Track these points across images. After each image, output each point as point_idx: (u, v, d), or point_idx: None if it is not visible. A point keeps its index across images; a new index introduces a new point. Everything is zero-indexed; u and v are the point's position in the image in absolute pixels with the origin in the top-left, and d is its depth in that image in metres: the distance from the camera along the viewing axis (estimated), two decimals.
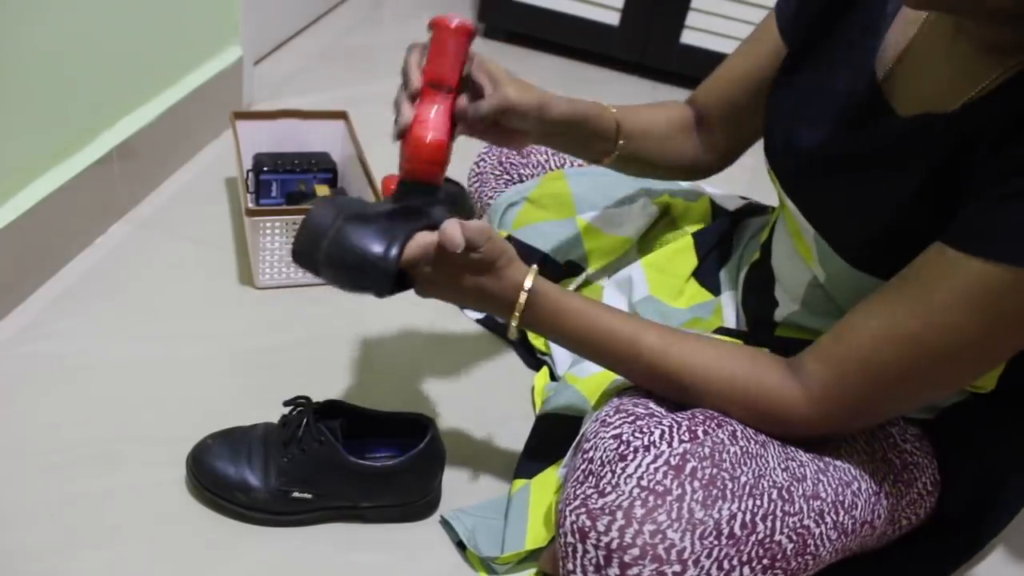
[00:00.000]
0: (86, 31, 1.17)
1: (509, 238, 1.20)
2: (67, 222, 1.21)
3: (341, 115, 1.41)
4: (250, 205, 1.26)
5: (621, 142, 1.01)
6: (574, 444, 0.92)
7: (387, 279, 0.78)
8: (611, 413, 0.81)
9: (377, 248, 0.77)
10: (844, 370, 0.75)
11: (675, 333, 0.83)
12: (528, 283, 0.82)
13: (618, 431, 0.77)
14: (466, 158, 1.38)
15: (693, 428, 0.76)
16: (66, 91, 1.16)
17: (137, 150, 1.32)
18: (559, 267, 1.19)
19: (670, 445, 0.74)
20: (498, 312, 0.85)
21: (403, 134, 0.84)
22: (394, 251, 0.77)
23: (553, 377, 1.16)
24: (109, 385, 1.06)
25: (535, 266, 0.85)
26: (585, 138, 0.99)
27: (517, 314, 0.83)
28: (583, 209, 1.21)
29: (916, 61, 0.80)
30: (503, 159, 1.31)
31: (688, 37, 2.08)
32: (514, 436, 1.09)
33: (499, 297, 0.83)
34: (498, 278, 0.82)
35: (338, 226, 0.78)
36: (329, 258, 0.79)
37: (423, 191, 0.84)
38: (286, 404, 0.96)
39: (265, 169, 1.35)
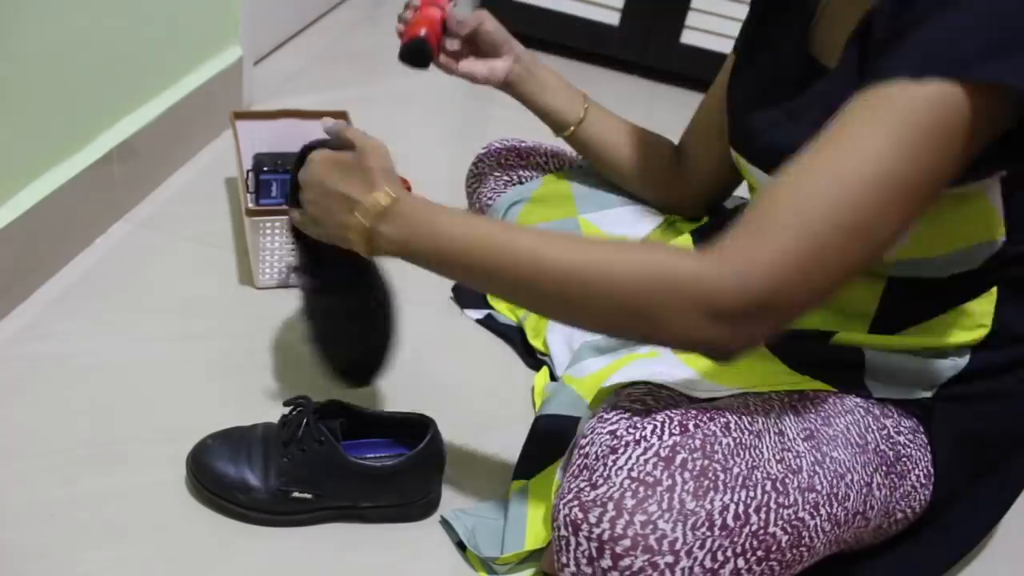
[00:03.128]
0: (86, 31, 1.17)
1: None
2: (67, 222, 1.21)
3: (341, 115, 1.41)
4: (250, 205, 1.26)
5: (572, 128, 1.17)
6: (572, 444, 0.92)
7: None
8: (608, 410, 0.82)
9: None
10: (764, 224, 0.67)
11: (558, 233, 0.75)
12: (394, 190, 0.77)
13: (614, 427, 0.78)
14: (465, 159, 1.38)
15: (684, 422, 0.77)
16: (66, 91, 1.16)
17: (137, 150, 1.32)
18: None
19: (660, 438, 0.75)
20: (358, 223, 0.78)
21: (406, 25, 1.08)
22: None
23: (553, 377, 1.16)
24: (109, 385, 1.06)
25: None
26: (543, 115, 1.18)
27: (369, 218, 0.77)
28: (585, 209, 1.21)
29: (835, 13, 0.85)
30: (501, 160, 1.31)
31: (688, 37, 2.08)
32: (514, 436, 1.09)
33: (360, 201, 0.77)
34: (364, 180, 0.78)
35: None
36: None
37: (419, 57, 1.09)
38: (286, 404, 0.96)
39: (265, 169, 1.35)
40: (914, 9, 0.68)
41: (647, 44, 2.11)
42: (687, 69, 2.11)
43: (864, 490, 0.82)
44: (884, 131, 0.67)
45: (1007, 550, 1.08)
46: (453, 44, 1.15)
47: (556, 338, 1.19)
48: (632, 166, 1.19)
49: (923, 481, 0.89)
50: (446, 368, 1.20)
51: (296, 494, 0.93)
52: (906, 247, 0.81)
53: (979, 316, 0.86)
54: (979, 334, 0.86)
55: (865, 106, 0.68)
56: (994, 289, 0.85)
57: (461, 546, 0.95)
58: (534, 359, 1.22)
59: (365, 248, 0.79)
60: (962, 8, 0.66)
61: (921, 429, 0.90)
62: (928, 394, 0.90)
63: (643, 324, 0.69)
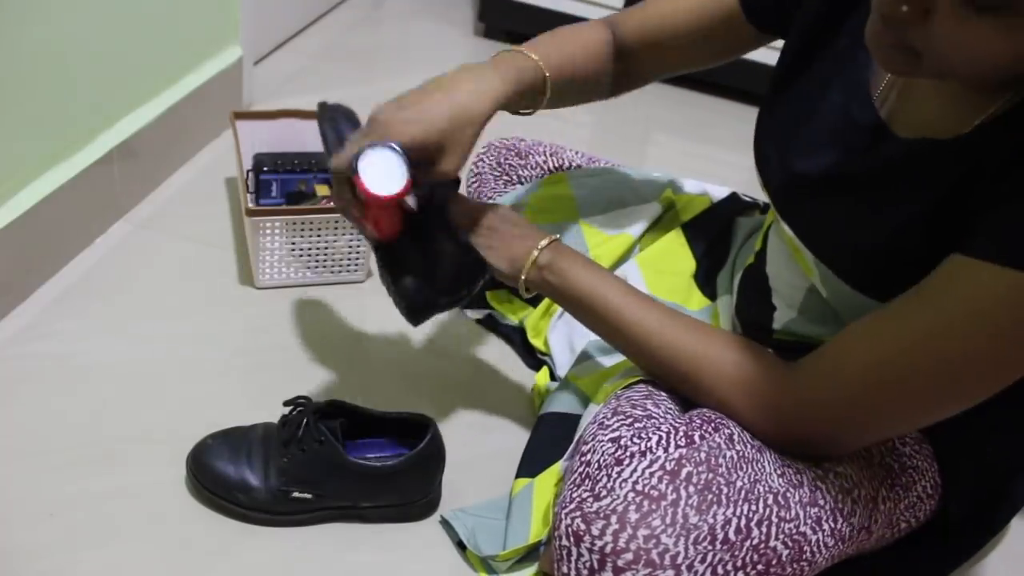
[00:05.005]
0: (86, 31, 1.17)
1: None
2: (67, 222, 1.21)
3: None
4: (250, 205, 1.26)
5: (548, 96, 0.99)
6: (573, 445, 0.92)
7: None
8: (609, 415, 0.82)
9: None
10: (840, 365, 0.75)
11: (677, 315, 0.86)
12: (535, 253, 0.90)
13: (616, 434, 0.78)
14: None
15: (690, 433, 0.76)
16: (66, 91, 1.16)
17: (137, 150, 1.32)
18: None
19: (666, 450, 0.74)
20: (511, 272, 0.92)
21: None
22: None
23: (553, 377, 1.16)
24: (109, 385, 1.06)
25: (555, 237, 0.92)
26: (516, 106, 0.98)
27: (523, 277, 0.91)
28: (586, 212, 1.21)
29: (909, 85, 0.79)
30: (501, 160, 1.31)
31: None
32: (514, 436, 1.09)
33: (513, 259, 0.91)
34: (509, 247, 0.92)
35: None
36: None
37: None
38: (286, 404, 0.96)
39: (265, 169, 1.35)
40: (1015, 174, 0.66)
41: None
42: None
43: (870, 505, 0.81)
44: (994, 323, 0.67)
45: (1007, 550, 1.08)
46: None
47: (557, 337, 1.19)
48: (589, 86, 1.06)
49: (929, 492, 0.88)
50: (446, 368, 1.20)
51: (296, 494, 0.93)
52: None
53: None
54: None
55: (974, 284, 0.67)
56: None
57: (461, 546, 0.95)
58: (534, 359, 1.22)
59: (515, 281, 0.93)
60: None
61: (927, 440, 0.89)
62: None
63: (722, 412, 0.81)
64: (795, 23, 0.90)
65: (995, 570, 1.05)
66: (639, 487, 0.72)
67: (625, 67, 1.05)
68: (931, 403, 0.73)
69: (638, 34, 1.03)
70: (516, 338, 1.25)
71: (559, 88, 0.99)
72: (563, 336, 1.18)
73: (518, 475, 1.00)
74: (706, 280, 1.15)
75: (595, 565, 0.71)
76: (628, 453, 0.75)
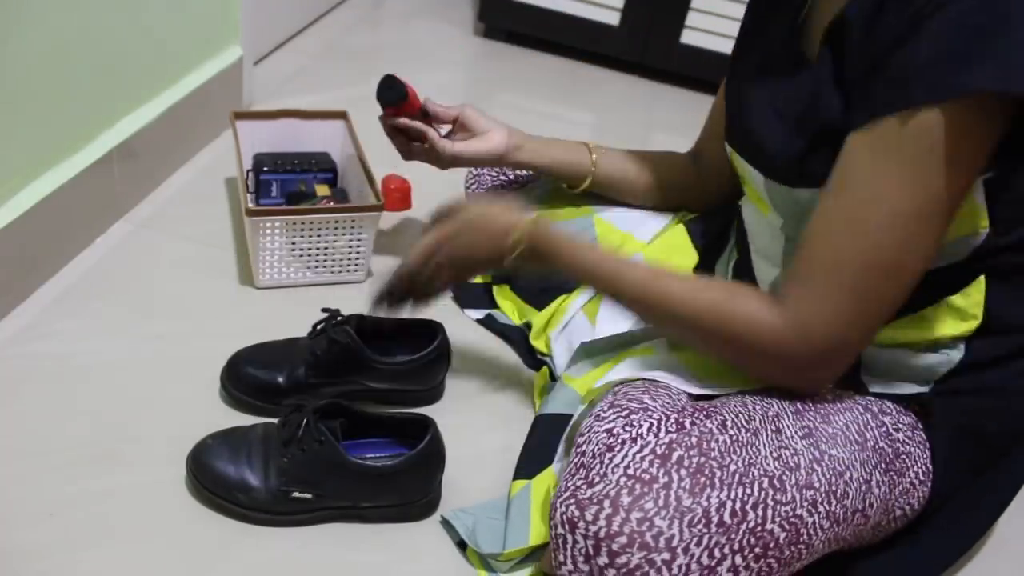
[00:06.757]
0: (86, 31, 1.17)
1: None
2: (67, 222, 1.21)
3: (341, 115, 1.41)
4: (250, 205, 1.26)
5: (588, 180, 1.18)
6: (563, 437, 0.93)
7: None
8: (605, 408, 0.83)
9: None
10: (809, 277, 0.78)
11: (660, 269, 0.89)
12: (526, 222, 0.94)
13: (611, 425, 0.79)
14: None
15: (680, 420, 0.78)
16: (66, 91, 1.16)
17: (137, 150, 1.32)
18: None
19: (656, 436, 0.76)
20: (497, 255, 0.96)
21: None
22: None
23: (553, 377, 1.16)
24: (109, 385, 1.06)
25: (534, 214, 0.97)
26: (553, 177, 1.21)
27: (516, 238, 0.94)
28: (600, 207, 1.22)
29: (820, 11, 0.86)
30: None
31: (688, 37, 2.08)
32: (514, 436, 1.09)
33: (496, 238, 0.96)
34: (491, 234, 0.96)
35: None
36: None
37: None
38: (286, 404, 0.96)
39: (265, 169, 1.35)
40: (884, 32, 0.71)
41: (647, 44, 2.11)
42: (687, 69, 2.11)
43: (863, 488, 0.82)
44: (887, 170, 0.71)
45: (1007, 550, 1.08)
46: (443, 128, 1.19)
47: (558, 338, 1.19)
48: (649, 190, 1.20)
49: (922, 478, 0.89)
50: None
51: (296, 494, 0.93)
52: None
53: (969, 307, 0.86)
54: (971, 325, 0.86)
55: (865, 147, 0.73)
56: (982, 279, 0.85)
57: (461, 546, 0.95)
58: (534, 359, 1.22)
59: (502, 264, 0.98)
60: (927, 30, 0.68)
61: (920, 426, 0.90)
62: (925, 389, 0.90)
63: (736, 364, 0.85)
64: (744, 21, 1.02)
65: (995, 570, 1.05)
66: (630, 471, 0.73)
67: (707, 172, 1.17)
68: (895, 270, 0.75)
69: (702, 134, 1.19)
70: (516, 338, 1.25)
71: (610, 163, 1.19)
72: (564, 336, 1.18)
73: (516, 476, 1.00)
74: (707, 273, 1.15)
75: (590, 551, 0.71)
76: (619, 440, 0.76)
